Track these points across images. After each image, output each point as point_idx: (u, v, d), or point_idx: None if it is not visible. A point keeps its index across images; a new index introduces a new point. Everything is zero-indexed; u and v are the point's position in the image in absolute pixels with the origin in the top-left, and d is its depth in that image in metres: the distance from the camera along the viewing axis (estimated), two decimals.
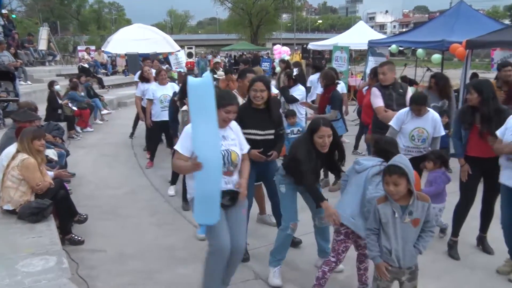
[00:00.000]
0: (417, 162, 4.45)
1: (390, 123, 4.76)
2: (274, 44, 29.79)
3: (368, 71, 10.29)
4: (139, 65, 14.80)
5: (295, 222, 3.90)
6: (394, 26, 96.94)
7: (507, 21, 39.48)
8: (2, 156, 4.67)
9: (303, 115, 7.24)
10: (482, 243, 4.52)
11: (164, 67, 12.01)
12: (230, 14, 51.08)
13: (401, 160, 2.91)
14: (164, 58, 19.67)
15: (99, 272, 4.11)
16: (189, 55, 22.66)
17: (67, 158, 6.89)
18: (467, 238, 4.54)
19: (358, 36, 16.11)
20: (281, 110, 6.13)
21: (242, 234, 3.52)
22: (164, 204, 5.99)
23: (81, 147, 9.19)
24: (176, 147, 3.33)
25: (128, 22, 55.72)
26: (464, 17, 10.11)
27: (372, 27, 25.47)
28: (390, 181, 2.84)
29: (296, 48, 32.20)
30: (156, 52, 20.39)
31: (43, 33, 19.03)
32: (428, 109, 4.65)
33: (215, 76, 10.26)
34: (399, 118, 4.69)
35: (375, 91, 5.42)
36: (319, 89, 7.41)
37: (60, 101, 9.68)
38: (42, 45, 18.80)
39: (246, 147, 3.57)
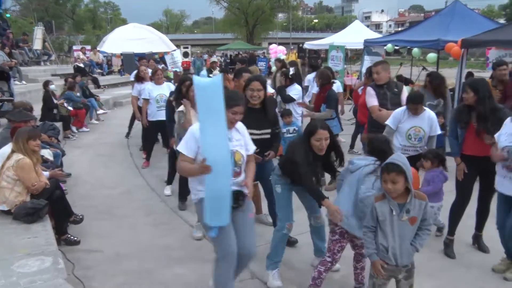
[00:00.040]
0: (413, 161, 4.46)
1: (387, 122, 4.77)
2: (270, 44, 29.77)
3: (364, 70, 10.31)
4: (135, 64, 14.76)
5: (290, 223, 3.90)
6: (390, 26, 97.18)
7: (502, 20, 39.62)
8: None
9: (299, 114, 7.24)
10: (477, 242, 4.53)
11: (160, 66, 11.99)
12: (226, 14, 51.02)
13: (399, 158, 2.92)
14: (160, 58, 19.63)
15: (95, 272, 4.10)
16: (185, 54, 22.68)
17: (63, 158, 6.87)
18: (463, 237, 4.56)
19: (354, 35, 16.13)
20: (277, 110, 6.14)
21: (251, 237, 3.41)
22: (160, 204, 5.98)
23: (76, 147, 9.16)
24: (179, 148, 3.24)
25: (124, 22, 55.54)
26: (459, 17, 10.15)
27: (367, 26, 25.48)
28: (388, 179, 2.85)
29: (292, 47, 32.20)
30: (152, 52, 20.37)
31: (38, 32, 18.96)
32: (425, 108, 4.67)
33: (211, 75, 10.25)
34: (395, 117, 4.71)
35: (369, 90, 5.44)
36: (315, 88, 7.42)
37: (55, 101, 9.65)
38: (37, 45, 18.74)
39: (252, 148, 3.48)
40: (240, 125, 3.43)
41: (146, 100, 7.39)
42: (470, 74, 10.01)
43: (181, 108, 5.37)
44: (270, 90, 6.72)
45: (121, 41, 22.72)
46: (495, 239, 4.30)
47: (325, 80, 6.42)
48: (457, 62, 8.83)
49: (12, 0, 42.84)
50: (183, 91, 5.99)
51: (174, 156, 6.04)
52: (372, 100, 5.36)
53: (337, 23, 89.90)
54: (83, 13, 64.53)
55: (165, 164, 6.57)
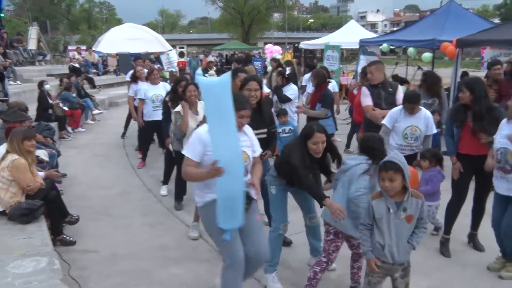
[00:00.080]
0: (409, 160, 4.46)
1: (383, 122, 4.79)
2: (265, 44, 29.81)
3: (359, 70, 10.32)
4: (131, 64, 14.73)
5: (285, 224, 3.90)
6: (385, 25, 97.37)
7: (496, 20, 39.79)
8: None
9: (295, 114, 7.25)
10: (473, 241, 4.55)
11: (156, 66, 11.96)
12: (222, 14, 51.01)
13: (397, 156, 2.93)
14: (156, 58, 19.59)
15: (91, 272, 4.09)
16: (181, 54, 22.59)
17: (58, 158, 6.84)
18: (459, 236, 4.58)
19: (350, 35, 16.17)
20: (273, 109, 6.14)
21: (262, 240, 3.30)
22: (156, 204, 5.97)
23: (72, 147, 9.13)
24: (185, 152, 3.14)
25: (119, 22, 55.34)
26: (454, 16, 10.19)
27: (363, 26, 25.50)
28: (386, 177, 2.86)
29: (287, 47, 32.24)
30: (148, 52, 20.31)
31: (33, 32, 18.90)
32: (420, 107, 4.69)
33: (206, 75, 10.24)
34: (392, 117, 4.72)
35: (364, 90, 5.48)
36: (311, 88, 7.43)
37: (50, 101, 9.61)
38: (32, 45, 18.67)
39: (259, 149, 3.45)
40: (246, 126, 3.38)
41: (142, 100, 7.37)
42: (465, 74, 10.05)
43: (178, 108, 5.36)
44: (266, 90, 6.73)
45: (116, 41, 22.64)
46: (490, 237, 4.32)
47: (321, 79, 6.43)
48: (452, 62, 8.87)
49: (7, 0, 42.63)
50: (179, 92, 5.99)
51: (170, 156, 6.04)
52: (366, 99, 5.40)
53: (333, 23, 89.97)
54: (78, 13, 64.32)
55: (161, 164, 6.56)
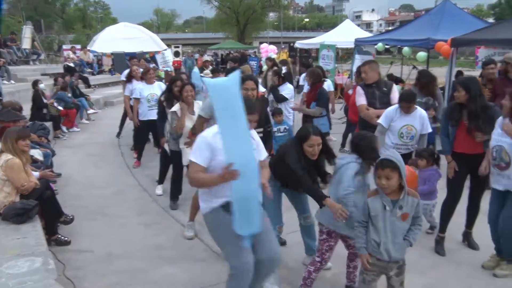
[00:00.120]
0: (405, 159, 4.47)
1: (379, 121, 4.81)
2: (261, 43, 29.77)
3: (354, 69, 10.34)
4: (126, 64, 14.68)
5: (280, 225, 3.90)
6: (380, 25, 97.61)
7: (491, 20, 39.95)
8: None
9: (291, 113, 7.26)
10: (467, 239, 4.57)
11: (151, 66, 11.93)
12: (217, 13, 50.94)
13: (394, 154, 2.95)
14: (151, 57, 19.54)
15: (86, 272, 4.08)
16: (176, 54, 22.52)
17: (53, 158, 6.81)
18: (453, 234, 4.59)
19: (345, 34, 16.19)
20: (268, 109, 6.14)
21: (273, 242, 3.18)
22: (151, 204, 5.96)
23: (67, 147, 9.10)
24: (191, 158, 2.99)
25: (114, 21, 55.02)
26: (449, 16, 10.22)
27: (358, 25, 25.58)
28: (383, 174, 2.87)
29: (283, 46, 32.24)
30: (143, 51, 20.26)
31: (27, 31, 18.78)
32: (416, 106, 4.71)
33: (201, 74, 10.22)
34: (387, 116, 4.74)
35: (359, 89, 5.53)
36: (306, 87, 7.44)
37: (45, 101, 9.57)
38: (26, 44, 18.55)
39: (265, 153, 3.43)
40: (252, 131, 3.32)
41: (137, 100, 7.36)
42: (459, 73, 10.09)
43: (175, 108, 5.35)
44: (262, 89, 6.73)
45: (111, 40, 22.60)
46: (485, 236, 4.35)
47: (316, 78, 6.45)
48: (447, 61, 8.91)
49: None
50: (174, 91, 5.98)
51: (165, 155, 6.04)
52: (360, 99, 5.44)
53: (328, 22, 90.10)
54: (72, 12, 63.98)
55: (156, 164, 6.55)
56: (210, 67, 13.86)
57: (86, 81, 16.27)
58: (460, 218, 4.53)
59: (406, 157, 4.64)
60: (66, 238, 4.65)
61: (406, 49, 11.00)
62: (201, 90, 7.17)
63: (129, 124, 8.84)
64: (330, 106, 7.46)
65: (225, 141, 2.76)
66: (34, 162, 5.54)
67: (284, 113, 6.85)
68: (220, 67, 17.67)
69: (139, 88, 7.39)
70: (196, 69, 7.13)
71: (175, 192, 5.76)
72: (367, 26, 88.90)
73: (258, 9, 47.09)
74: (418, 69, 10.53)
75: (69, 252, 4.48)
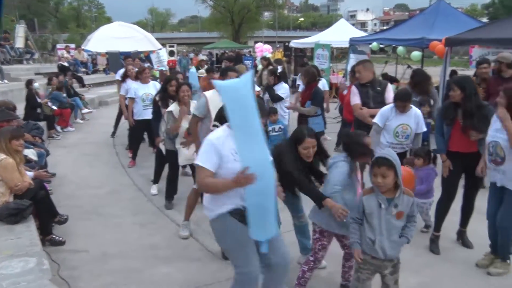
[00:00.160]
0: (400, 158, 4.49)
1: (374, 120, 4.83)
2: (256, 42, 29.75)
3: (349, 68, 10.36)
4: (120, 63, 14.62)
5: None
6: (375, 24, 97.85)
7: (484, 19, 40.15)
8: None
9: (286, 113, 7.26)
10: (462, 238, 4.60)
11: (146, 65, 11.90)
12: (212, 12, 50.76)
13: (390, 153, 2.96)
14: (146, 57, 19.48)
15: (81, 272, 4.06)
16: (171, 53, 22.47)
17: (47, 158, 6.78)
18: (448, 233, 4.61)
19: (340, 34, 16.22)
20: None
21: (284, 247, 3.10)
22: (146, 203, 5.95)
23: (61, 146, 9.06)
24: (199, 162, 2.83)
25: (109, 20, 54.81)
26: (443, 15, 10.26)
27: (353, 25, 25.62)
28: (378, 172, 2.88)
29: (278, 46, 32.21)
30: (138, 51, 20.20)
31: (20, 30, 18.68)
32: (411, 105, 4.72)
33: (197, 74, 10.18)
34: (383, 115, 4.76)
35: (353, 89, 5.57)
36: (301, 86, 7.45)
37: (39, 100, 9.52)
38: (19, 43, 18.45)
39: (270, 156, 3.38)
40: None
41: (132, 99, 7.35)
42: (454, 72, 10.13)
43: (171, 108, 5.34)
44: (256, 88, 6.73)
45: (106, 39, 22.54)
46: (479, 235, 4.37)
47: (311, 77, 6.45)
48: (441, 60, 8.94)
49: None
50: (169, 91, 5.97)
51: (160, 155, 6.03)
52: (355, 98, 5.47)
53: (323, 22, 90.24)
54: (66, 11, 63.68)
55: (152, 163, 6.53)
56: (206, 67, 13.82)
57: (80, 81, 16.21)
58: (454, 217, 4.55)
59: (401, 156, 4.64)
60: (60, 238, 4.63)
61: (400, 49, 11.04)
62: (198, 90, 7.16)
63: (124, 124, 8.82)
64: (324, 105, 7.46)
65: (239, 145, 2.66)
66: (28, 162, 5.51)
67: (279, 113, 6.85)
68: (215, 67, 17.64)
69: (134, 87, 7.38)
70: (193, 69, 7.11)
71: (171, 191, 5.75)
72: (362, 25, 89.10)
73: (253, 8, 47.01)
74: (413, 68, 10.56)
75: (63, 252, 4.46)
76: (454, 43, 8.36)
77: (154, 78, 9.74)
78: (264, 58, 12.74)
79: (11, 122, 5.81)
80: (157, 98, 6.16)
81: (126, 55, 12.84)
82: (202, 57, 24.98)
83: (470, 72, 10.15)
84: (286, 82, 8.48)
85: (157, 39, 26.45)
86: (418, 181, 4.70)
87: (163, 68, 13.48)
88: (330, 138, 8.63)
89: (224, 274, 3.95)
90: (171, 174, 5.72)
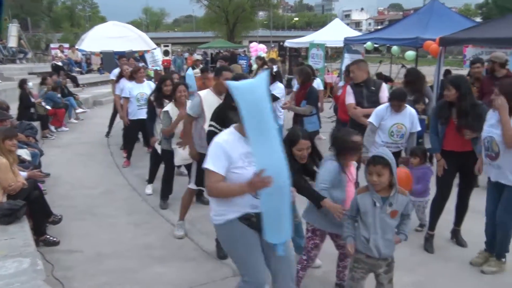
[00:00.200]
0: (395, 158, 4.51)
1: (370, 120, 4.84)
2: (250, 42, 29.73)
3: (343, 68, 10.38)
4: (115, 63, 14.57)
5: None
6: (370, 24, 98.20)
7: (478, 19, 40.35)
8: None
9: (282, 112, 7.25)
10: (456, 236, 4.62)
11: (140, 65, 11.86)
12: (206, 12, 50.72)
13: (385, 152, 2.97)
14: (140, 56, 19.42)
15: (75, 272, 4.05)
16: (166, 53, 22.46)
17: (41, 158, 6.75)
18: (442, 232, 4.63)
19: (334, 33, 16.24)
20: None
21: (290, 264, 3.00)
22: (141, 203, 5.93)
23: (55, 146, 9.02)
24: (209, 167, 2.71)
25: (103, 20, 54.61)
26: (437, 15, 10.30)
27: (347, 24, 25.65)
28: (374, 171, 2.89)
29: (272, 45, 32.24)
30: (132, 50, 20.14)
31: (13, 29, 18.58)
32: (405, 104, 4.74)
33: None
34: (378, 114, 4.77)
35: (348, 88, 5.61)
36: (296, 86, 7.44)
37: (32, 100, 9.46)
38: (12, 42, 18.36)
39: None
40: None
41: (127, 99, 7.32)
42: (448, 72, 10.17)
43: (167, 108, 5.31)
44: None
45: (100, 39, 22.45)
46: (473, 233, 4.40)
47: (306, 77, 6.45)
48: (435, 60, 8.98)
49: None
50: (163, 90, 5.96)
51: (155, 155, 6.01)
52: (349, 98, 5.52)
53: (318, 21, 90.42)
54: (60, 11, 63.45)
55: (146, 163, 6.52)
56: (201, 66, 13.81)
57: (74, 80, 16.13)
58: (449, 215, 4.57)
59: (395, 155, 4.65)
60: (54, 239, 4.61)
61: (395, 48, 11.08)
62: (195, 91, 7.14)
63: (119, 124, 8.79)
64: (319, 105, 7.47)
65: (255, 147, 2.56)
66: (21, 162, 5.48)
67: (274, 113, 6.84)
68: (210, 66, 17.62)
69: (129, 87, 7.36)
70: (190, 71, 7.08)
71: (166, 191, 5.73)
72: (356, 25, 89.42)
73: (248, 8, 47.02)
74: (407, 68, 10.60)
75: (57, 252, 4.44)
76: (448, 43, 8.40)
77: (149, 78, 9.71)
78: (259, 58, 12.74)
79: (5, 122, 5.78)
80: (151, 98, 6.14)
81: (121, 55, 12.81)
82: (197, 56, 24.96)
83: (464, 71, 10.20)
84: (281, 81, 8.47)
85: (152, 38, 26.36)
86: (414, 180, 4.71)
87: (158, 68, 13.46)
88: (325, 137, 8.63)
89: (219, 274, 3.96)
90: (167, 174, 5.71)
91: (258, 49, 20.55)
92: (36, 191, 4.66)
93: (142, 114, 6.85)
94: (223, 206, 2.83)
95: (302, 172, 3.68)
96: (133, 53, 19.00)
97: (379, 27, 62.49)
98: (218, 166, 2.69)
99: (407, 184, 4.10)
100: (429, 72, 10.17)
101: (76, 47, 22.17)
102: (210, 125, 4.06)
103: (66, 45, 22.91)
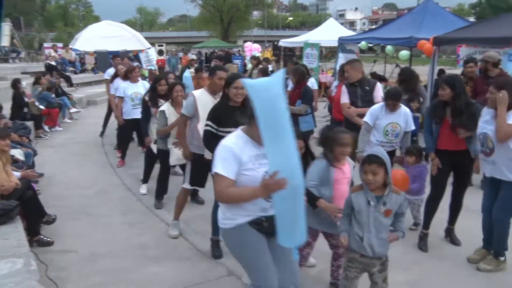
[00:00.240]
0: (389, 157, 4.53)
1: (365, 119, 4.86)
2: (245, 42, 29.75)
3: (338, 67, 10.40)
4: (109, 62, 14.52)
5: None
6: (364, 23, 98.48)
7: (471, 19, 40.59)
8: None
9: None
10: (450, 235, 4.64)
11: (135, 65, 11.83)
12: (201, 11, 50.64)
13: (380, 151, 2.99)
14: (134, 56, 19.37)
15: (69, 273, 4.03)
16: (160, 52, 22.41)
17: (35, 158, 6.72)
18: (436, 230, 4.65)
19: (328, 33, 16.27)
20: None
21: (294, 261, 2.91)
22: (136, 203, 5.91)
23: (49, 146, 8.97)
24: (218, 171, 2.61)
25: (97, 19, 54.38)
26: (431, 15, 10.35)
27: (342, 24, 25.72)
28: (369, 170, 2.90)
29: (267, 45, 32.29)
30: (126, 50, 20.08)
31: (5, 29, 18.46)
32: (400, 104, 4.76)
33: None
34: (373, 114, 4.79)
35: (343, 88, 5.65)
36: (290, 85, 7.44)
37: (26, 99, 9.41)
38: (5, 42, 18.24)
39: None
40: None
41: (121, 98, 7.30)
42: (441, 71, 10.22)
43: (163, 107, 5.30)
44: None
45: (94, 38, 22.35)
46: (467, 232, 4.42)
47: (300, 76, 6.46)
48: (429, 59, 9.02)
49: None
50: (158, 90, 5.94)
51: (150, 154, 6.00)
52: (343, 97, 5.56)
53: (312, 21, 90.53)
54: (53, 10, 63.08)
55: (141, 163, 6.50)
56: (196, 65, 13.80)
57: (68, 80, 16.06)
58: (443, 214, 4.59)
59: (390, 154, 4.67)
60: (48, 239, 4.59)
61: (389, 48, 11.11)
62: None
63: (113, 123, 8.76)
64: (313, 104, 7.47)
65: (269, 148, 2.45)
66: (15, 162, 5.45)
67: None
68: (204, 66, 17.61)
69: (123, 86, 7.33)
70: (187, 73, 7.04)
71: (161, 191, 5.72)
72: (351, 24, 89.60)
73: (242, 7, 47.00)
74: (401, 67, 10.63)
75: (51, 252, 4.41)
76: (442, 42, 8.44)
77: (143, 78, 9.69)
78: (253, 57, 12.76)
79: None
80: (146, 98, 6.12)
81: (115, 54, 12.77)
82: (191, 56, 24.94)
83: (457, 71, 10.26)
84: None
85: (146, 38, 26.29)
86: (410, 179, 4.73)
87: (152, 68, 13.42)
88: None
89: (213, 273, 3.95)
90: (162, 174, 5.69)
91: (252, 49, 20.56)
92: (29, 191, 4.64)
93: (137, 114, 6.82)
94: (233, 210, 2.74)
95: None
96: (128, 52, 18.94)
97: (373, 26, 62.61)
98: (228, 170, 2.60)
99: (404, 186, 4.12)
100: (423, 72, 10.22)
101: (70, 46, 22.07)
102: (207, 125, 4.04)
103: (60, 45, 22.80)
